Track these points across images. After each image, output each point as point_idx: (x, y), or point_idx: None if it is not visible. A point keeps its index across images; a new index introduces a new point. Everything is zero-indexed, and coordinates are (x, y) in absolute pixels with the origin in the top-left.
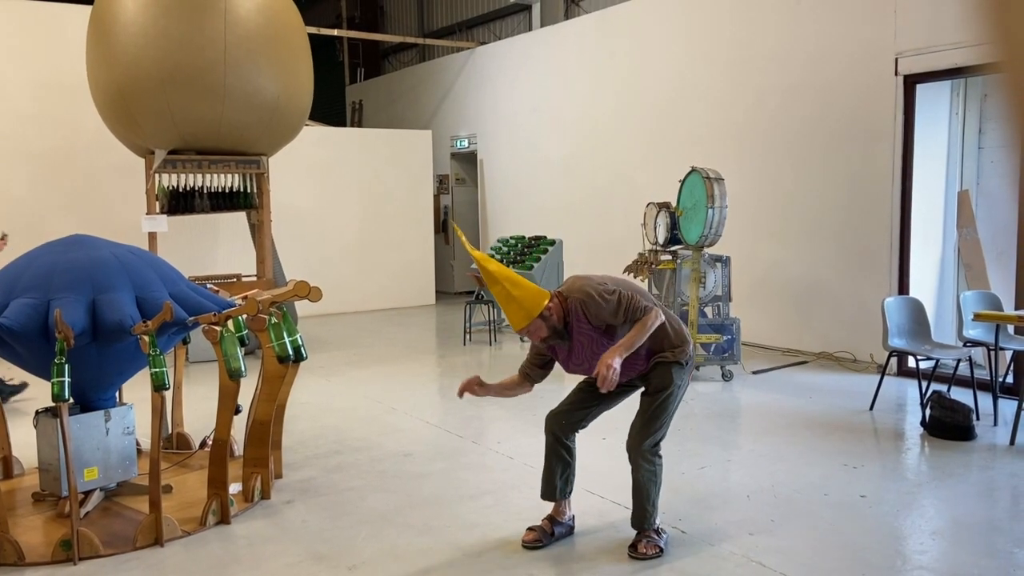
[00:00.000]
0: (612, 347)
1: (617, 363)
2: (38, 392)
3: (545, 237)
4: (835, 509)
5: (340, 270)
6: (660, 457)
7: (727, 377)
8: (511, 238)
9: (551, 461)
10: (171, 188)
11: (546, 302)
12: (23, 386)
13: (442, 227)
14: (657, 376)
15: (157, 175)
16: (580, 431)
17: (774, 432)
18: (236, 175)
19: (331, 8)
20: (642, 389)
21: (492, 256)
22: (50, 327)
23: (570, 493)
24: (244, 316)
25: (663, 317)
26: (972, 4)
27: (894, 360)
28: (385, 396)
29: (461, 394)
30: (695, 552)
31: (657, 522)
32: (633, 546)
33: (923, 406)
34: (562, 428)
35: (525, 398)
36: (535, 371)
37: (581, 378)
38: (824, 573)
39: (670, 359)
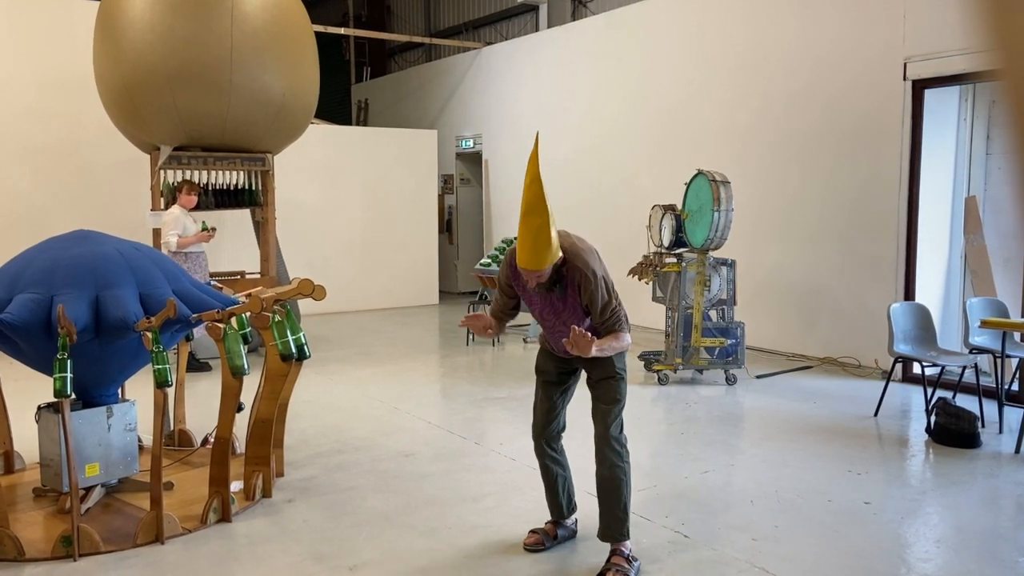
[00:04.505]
0: (595, 339)
1: (594, 350)
2: (40, 387)
3: None
4: (839, 515)
5: (344, 269)
6: (627, 451)
7: (731, 381)
8: (515, 239)
9: (548, 481)
10: (176, 184)
11: (560, 255)
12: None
13: (446, 227)
14: (601, 366)
15: (162, 171)
16: (563, 435)
17: (778, 437)
18: (241, 172)
19: (338, 6)
20: (585, 376)
21: (494, 258)
22: (53, 323)
23: (575, 508)
24: (247, 314)
25: (630, 340)
26: (973, 11)
27: (899, 366)
28: (387, 396)
29: (471, 327)
30: (698, 557)
31: (630, 544)
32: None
33: (928, 413)
34: (547, 439)
35: (530, 403)
36: (508, 314)
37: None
38: None
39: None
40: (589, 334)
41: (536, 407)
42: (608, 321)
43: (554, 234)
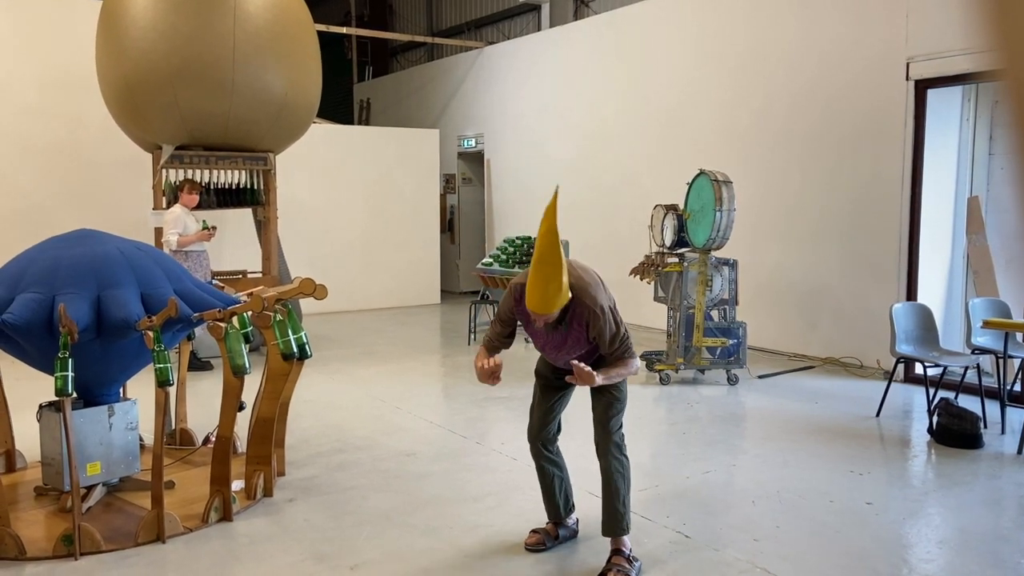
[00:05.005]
0: (599, 370)
1: (599, 380)
2: (42, 386)
3: None
4: (840, 516)
5: (345, 268)
6: (626, 446)
7: (732, 381)
8: (517, 238)
9: (545, 483)
10: (177, 183)
11: (569, 295)
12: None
13: (448, 226)
14: None
15: (164, 170)
16: (559, 436)
17: (779, 437)
18: (243, 171)
19: (340, 6)
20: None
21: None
22: (55, 322)
23: (573, 508)
24: (249, 313)
25: (639, 364)
26: (975, 10)
27: (901, 366)
28: (389, 395)
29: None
30: (699, 557)
31: (630, 544)
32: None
33: (930, 413)
34: (543, 441)
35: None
36: (503, 342)
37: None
38: None
39: None
40: (588, 367)
41: (533, 409)
42: (617, 350)
43: (565, 280)
